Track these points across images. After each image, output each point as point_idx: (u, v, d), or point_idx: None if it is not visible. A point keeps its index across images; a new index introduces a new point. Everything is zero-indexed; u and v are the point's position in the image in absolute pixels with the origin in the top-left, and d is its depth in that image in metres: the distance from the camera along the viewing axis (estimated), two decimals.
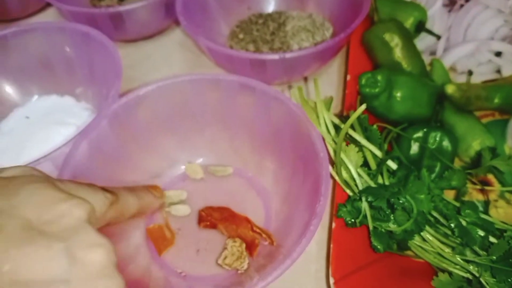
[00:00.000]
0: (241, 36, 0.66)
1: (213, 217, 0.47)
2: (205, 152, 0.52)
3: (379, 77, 0.50)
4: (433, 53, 0.62)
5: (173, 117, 0.50)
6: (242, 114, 0.49)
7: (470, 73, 0.55)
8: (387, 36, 0.56)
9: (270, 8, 0.71)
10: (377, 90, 0.50)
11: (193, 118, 0.51)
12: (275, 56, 0.53)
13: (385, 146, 0.48)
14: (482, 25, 0.59)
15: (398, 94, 0.50)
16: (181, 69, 0.67)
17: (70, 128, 0.56)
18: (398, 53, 0.56)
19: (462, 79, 0.59)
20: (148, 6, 0.63)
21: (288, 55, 0.53)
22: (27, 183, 0.25)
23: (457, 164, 0.51)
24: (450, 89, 0.50)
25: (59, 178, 0.33)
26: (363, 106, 0.38)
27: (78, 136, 0.44)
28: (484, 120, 0.55)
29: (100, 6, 0.74)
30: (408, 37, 0.57)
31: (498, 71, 0.58)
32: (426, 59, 0.60)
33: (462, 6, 0.61)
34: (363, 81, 0.50)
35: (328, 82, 0.62)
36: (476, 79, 0.58)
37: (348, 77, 0.56)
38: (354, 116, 0.39)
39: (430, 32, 0.59)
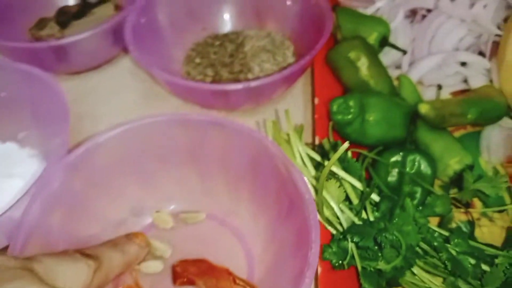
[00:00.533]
0: (197, 60, 0.61)
1: (189, 272, 0.42)
2: (174, 197, 0.48)
3: (351, 103, 0.47)
4: (398, 67, 0.60)
5: (137, 161, 0.45)
6: (214, 153, 0.45)
7: (439, 87, 0.54)
8: (352, 55, 0.53)
9: (227, 28, 0.67)
10: (350, 116, 0.47)
11: (160, 161, 0.46)
12: (239, 86, 0.50)
13: (363, 173, 0.45)
14: (446, 36, 0.58)
15: (372, 118, 0.48)
16: (133, 101, 0.62)
17: (15, 181, 0.50)
18: (365, 72, 0.53)
19: (430, 92, 0.57)
20: (93, 35, 0.57)
21: (253, 83, 0.50)
22: (6, 281, 0.23)
23: (436, 183, 0.49)
24: (423, 108, 0.48)
25: (31, 257, 0.28)
26: (346, 145, 0.35)
27: (29, 196, 0.38)
28: (457, 134, 0.54)
29: (40, 37, 0.67)
30: (373, 54, 0.55)
31: (466, 81, 0.58)
32: (392, 73, 0.59)
33: (424, 16, 0.60)
34: (335, 108, 0.48)
35: (294, 105, 0.59)
36: (444, 92, 0.57)
37: (317, 101, 0.53)
38: (335, 157, 0.36)
39: (394, 47, 0.57)
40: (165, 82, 0.55)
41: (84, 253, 0.29)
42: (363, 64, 0.53)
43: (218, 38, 0.64)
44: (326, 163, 0.44)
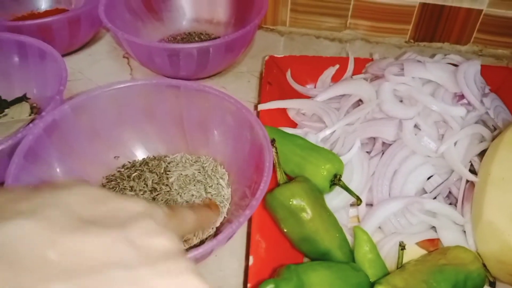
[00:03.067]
0: None
1: None
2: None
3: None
4: (353, 205, 0.50)
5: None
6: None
7: (402, 247, 0.43)
8: (294, 205, 0.43)
9: (145, 152, 0.55)
10: None
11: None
12: None
13: None
14: (410, 174, 0.48)
15: None
16: None
17: None
18: (310, 225, 0.43)
19: (391, 243, 0.47)
20: None
21: None
22: (78, 183, 0.23)
23: None
24: None
25: None
26: None
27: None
28: None
29: None
30: (320, 200, 0.45)
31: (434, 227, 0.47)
32: (346, 217, 0.48)
33: (383, 152, 0.50)
34: None
35: (232, 254, 0.47)
36: (409, 241, 0.47)
37: (251, 261, 0.42)
38: None
39: (348, 191, 0.46)
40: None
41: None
42: (307, 215, 0.43)
43: (135, 168, 0.52)
44: None
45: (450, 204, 0.49)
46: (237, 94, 0.63)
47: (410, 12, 0.76)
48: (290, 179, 0.48)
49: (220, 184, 0.51)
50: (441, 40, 0.79)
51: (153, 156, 0.54)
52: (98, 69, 0.72)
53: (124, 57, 0.74)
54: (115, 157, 0.52)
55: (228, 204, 0.50)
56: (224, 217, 0.49)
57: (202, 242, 0.46)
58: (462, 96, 0.51)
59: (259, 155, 0.44)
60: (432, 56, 0.64)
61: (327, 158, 0.47)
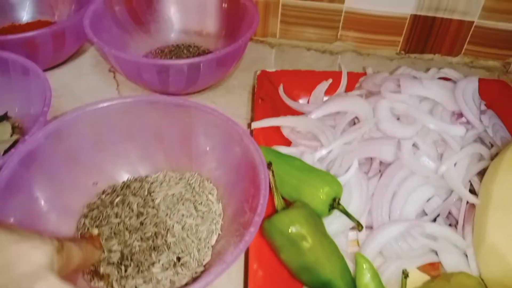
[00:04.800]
0: (94, 231, 0.46)
1: None
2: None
3: None
4: (353, 228, 0.49)
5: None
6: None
7: (405, 275, 0.42)
8: (292, 233, 0.41)
9: (125, 175, 0.52)
10: None
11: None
12: None
13: None
14: (410, 195, 0.47)
15: None
16: None
17: None
18: (309, 254, 0.41)
19: (393, 266, 0.45)
20: None
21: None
22: None
23: None
24: None
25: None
26: None
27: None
28: None
29: None
30: (319, 226, 0.43)
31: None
32: (346, 241, 0.47)
33: (381, 173, 0.49)
34: None
35: (230, 282, 0.45)
36: (410, 265, 0.45)
37: None
38: None
39: (348, 215, 0.45)
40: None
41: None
42: (307, 243, 0.41)
43: (116, 193, 0.49)
44: None
45: (450, 225, 0.48)
46: (228, 109, 0.63)
47: (402, 24, 0.75)
48: (287, 202, 0.46)
49: (210, 200, 0.49)
50: (432, 52, 0.78)
51: (134, 178, 0.51)
52: (83, 84, 0.69)
53: (110, 71, 0.72)
54: (93, 183, 0.49)
55: (220, 220, 0.48)
56: (219, 234, 0.47)
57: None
58: (460, 114, 0.50)
59: (251, 168, 0.43)
60: (426, 70, 0.63)
61: (326, 181, 0.46)
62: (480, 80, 0.57)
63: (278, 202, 0.44)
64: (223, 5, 0.74)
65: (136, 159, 0.52)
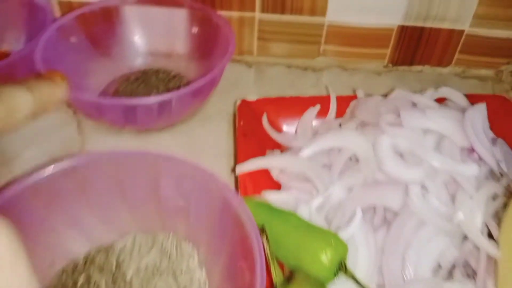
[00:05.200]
0: None
1: None
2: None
3: None
4: None
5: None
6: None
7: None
8: None
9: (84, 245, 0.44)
10: None
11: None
12: None
13: None
14: (423, 247, 0.41)
15: None
16: None
17: None
18: None
19: None
20: None
21: None
22: None
23: None
24: None
25: None
26: None
27: None
28: None
29: None
30: None
31: None
32: None
33: (387, 221, 0.43)
34: None
35: None
36: None
37: None
38: None
39: (358, 283, 0.39)
40: None
41: None
42: None
43: (79, 271, 0.41)
44: None
45: (468, 275, 0.43)
46: (207, 143, 0.56)
47: (388, 35, 0.69)
48: (282, 267, 0.40)
49: (189, 267, 0.42)
50: (422, 63, 0.73)
51: (97, 249, 0.44)
52: (38, 126, 0.60)
53: (69, 107, 0.63)
54: (49, 264, 0.41)
55: None
56: None
57: None
58: (471, 149, 0.45)
59: (234, 217, 0.36)
60: (422, 91, 0.58)
61: (328, 243, 0.39)
62: (476, 97, 0.52)
63: (275, 276, 0.38)
64: (193, 25, 0.66)
65: (96, 224, 0.43)
